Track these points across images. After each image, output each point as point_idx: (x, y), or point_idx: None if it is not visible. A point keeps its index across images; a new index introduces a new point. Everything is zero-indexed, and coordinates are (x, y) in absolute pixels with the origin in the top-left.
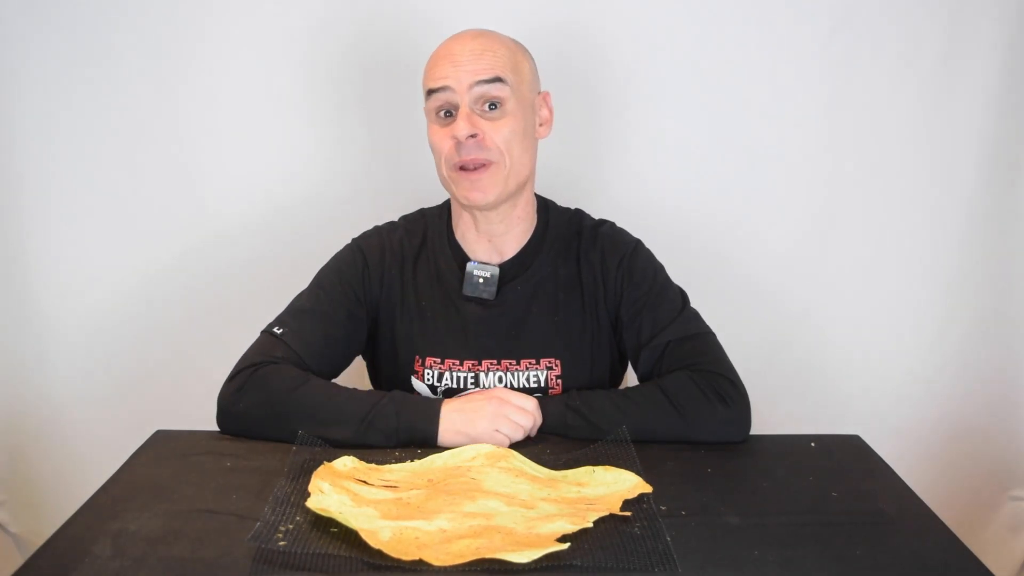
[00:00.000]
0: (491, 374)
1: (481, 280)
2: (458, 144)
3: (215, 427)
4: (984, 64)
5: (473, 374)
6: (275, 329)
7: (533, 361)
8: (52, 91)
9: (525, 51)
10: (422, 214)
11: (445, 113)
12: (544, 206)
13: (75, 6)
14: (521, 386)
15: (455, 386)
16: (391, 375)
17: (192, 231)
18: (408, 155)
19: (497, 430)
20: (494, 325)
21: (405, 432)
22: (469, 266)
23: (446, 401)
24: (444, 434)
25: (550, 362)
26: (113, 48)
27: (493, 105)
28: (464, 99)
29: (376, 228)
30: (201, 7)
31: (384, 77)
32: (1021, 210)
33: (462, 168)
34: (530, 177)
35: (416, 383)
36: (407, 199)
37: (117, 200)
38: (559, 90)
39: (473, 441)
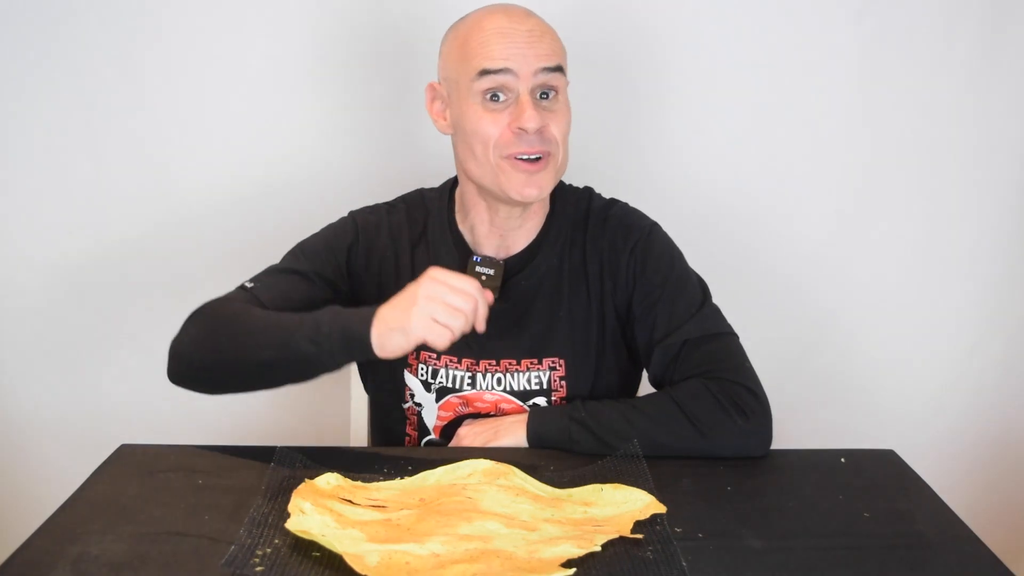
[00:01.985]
0: (489, 375)
1: (484, 277)
2: (517, 133)
3: (184, 441)
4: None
5: (470, 374)
6: (246, 283)
7: (535, 361)
8: (9, 74)
9: None
10: (421, 196)
11: (492, 96)
12: (552, 194)
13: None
14: (522, 388)
15: (450, 385)
16: (383, 368)
17: (163, 232)
18: (403, 140)
19: (434, 319)
20: (494, 323)
21: (337, 335)
22: (472, 263)
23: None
24: (378, 335)
25: (553, 362)
26: (79, 30)
27: (545, 94)
28: (526, 85)
29: (376, 206)
30: None
31: (378, 59)
32: None
33: (518, 159)
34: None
35: (409, 377)
36: (401, 186)
37: (82, 206)
38: (597, 76)
39: (409, 337)
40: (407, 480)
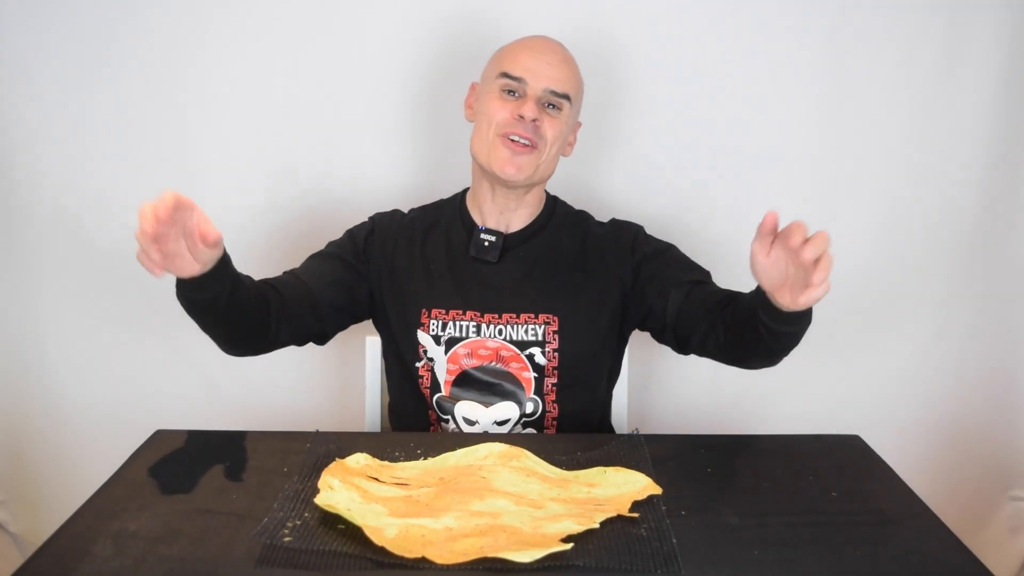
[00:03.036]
0: (491, 326)
1: (487, 243)
2: (518, 120)
3: (215, 427)
4: (984, 64)
5: (475, 324)
6: (293, 269)
7: (532, 316)
8: (60, 92)
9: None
10: (438, 201)
11: (508, 92)
12: (553, 200)
13: (88, 11)
14: (520, 338)
15: (458, 335)
16: (399, 331)
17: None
18: (427, 161)
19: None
20: (496, 282)
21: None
22: (478, 230)
23: None
24: None
25: (547, 317)
26: (116, 48)
27: (552, 106)
28: (534, 95)
29: (393, 210)
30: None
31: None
32: (1021, 208)
33: (510, 138)
34: (549, 177)
35: (421, 335)
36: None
37: (118, 199)
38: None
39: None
40: (429, 461)
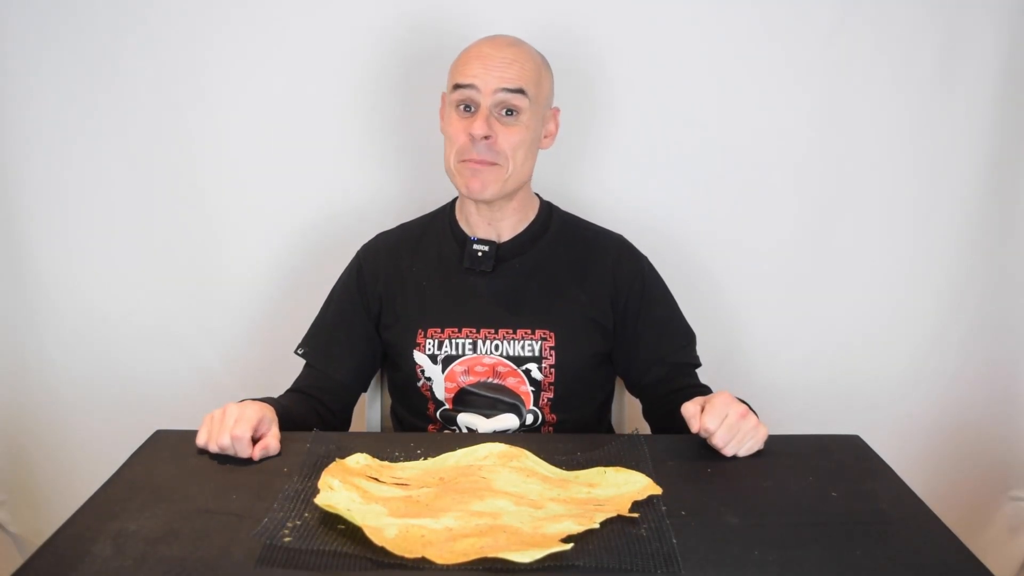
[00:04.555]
0: (488, 341)
1: (480, 253)
2: (471, 140)
3: None
4: (983, 65)
5: (471, 341)
6: (297, 351)
7: (528, 331)
8: (58, 93)
9: (548, 67)
10: (425, 215)
11: (465, 107)
12: (547, 207)
13: (87, 16)
14: (516, 354)
15: (454, 353)
16: (396, 353)
17: (195, 233)
18: (416, 165)
19: (208, 423)
20: (491, 296)
21: None
22: (470, 241)
23: None
24: None
25: (544, 333)
26: (123, 56)
27: (510, 112)
28: (486, 101)
29: (378, 234)
30: (214, 15)
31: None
32: (1020, 209)
33: (467, 160)
34: (528, 180)
35: (418, 355)
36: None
37: (121, 202)
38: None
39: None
40: (429, 461)
